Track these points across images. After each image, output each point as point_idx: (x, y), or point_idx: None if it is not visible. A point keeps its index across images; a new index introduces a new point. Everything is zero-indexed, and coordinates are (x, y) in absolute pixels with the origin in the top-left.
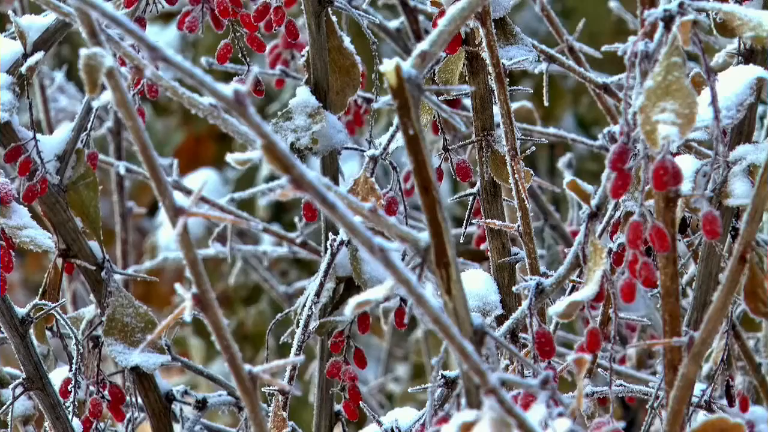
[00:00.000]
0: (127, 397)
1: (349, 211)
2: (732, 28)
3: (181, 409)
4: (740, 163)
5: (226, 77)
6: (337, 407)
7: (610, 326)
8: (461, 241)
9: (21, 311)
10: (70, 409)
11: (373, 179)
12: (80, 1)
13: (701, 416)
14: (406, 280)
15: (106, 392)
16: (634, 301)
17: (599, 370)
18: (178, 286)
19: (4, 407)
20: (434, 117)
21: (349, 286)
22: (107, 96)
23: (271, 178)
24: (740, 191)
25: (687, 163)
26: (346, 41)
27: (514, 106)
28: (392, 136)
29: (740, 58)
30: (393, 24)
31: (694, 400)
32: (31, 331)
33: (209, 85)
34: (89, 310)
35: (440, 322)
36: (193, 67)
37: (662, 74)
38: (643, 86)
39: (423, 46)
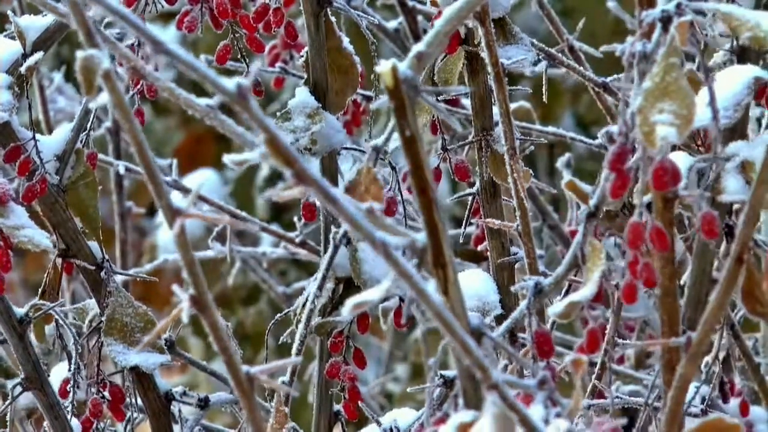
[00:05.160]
0: (127, 397)
1: (352, 205)
2: (730, 28)
3: (179, 410)
4: (734, 160)
5: (226, 75)
6: (337, 407)
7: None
8: (461, 241)
9: (19, 311)
10: (69, 409)
11: (376, 170)
12: None
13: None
14: (408, 275)
15: (106, 392)
16: (635, 302)
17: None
18: (175, 287)
19: (4, 406)
20: (433, 117)
21: (349, 286)
22: (104, 97)
23: (271, 177)
24: (733, 187)
25: (680, 161)
26: (345, 42)
27: (513, 106)
28: (390, 134)
29: (733, 56)
30: (391, 24)
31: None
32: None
33: (212, 79)
34: (93, 304)
35: (442, 317)
36: (195, 61)
37: (660, 75)
38: (641, 87)
39: (419, 46)
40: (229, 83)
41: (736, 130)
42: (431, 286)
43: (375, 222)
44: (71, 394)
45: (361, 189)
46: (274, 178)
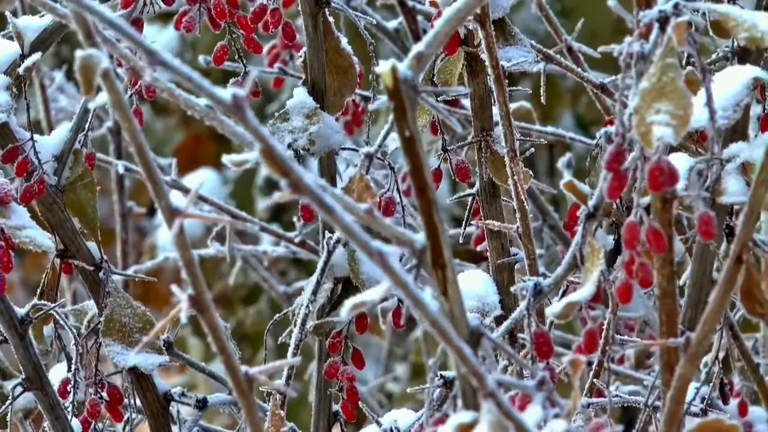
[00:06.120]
0: (125, 398)
1: (347, 214)
2: (727, 29)
3: (178, 411)
4: (734, 161)
5: (225, 74)
6: (336, 407)
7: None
8: (460, 241)
9: (20, 311)
10: (69, 409)
11: (368, 177)
12: (77, 5)
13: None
14: (403, 284)
15: (104, 393)
16: (630, 301)
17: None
18: (174, 287)
19: (4, 407)
20: (433, 117)
21: (347, 286)
22: (104, 97)
23: (271, 177)
24: (733, 189)
25: (681, 161)
26: (344, 42)
27: (512, 106)
28: (387, 134)
29: (734, 57)
30: (392, 24)
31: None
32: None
33: (207, 90)
34: (92, 304)
35: (438, 326)
36: (191, 71)
37: (657, 75)
38: (638, 87)
39: (419, 47)
40: (225, 93)
41: (737, 131)
42: (428, 295)
43: (374, 223)
44: (71, 395)
45: (353, 197)
46: (274, 178)
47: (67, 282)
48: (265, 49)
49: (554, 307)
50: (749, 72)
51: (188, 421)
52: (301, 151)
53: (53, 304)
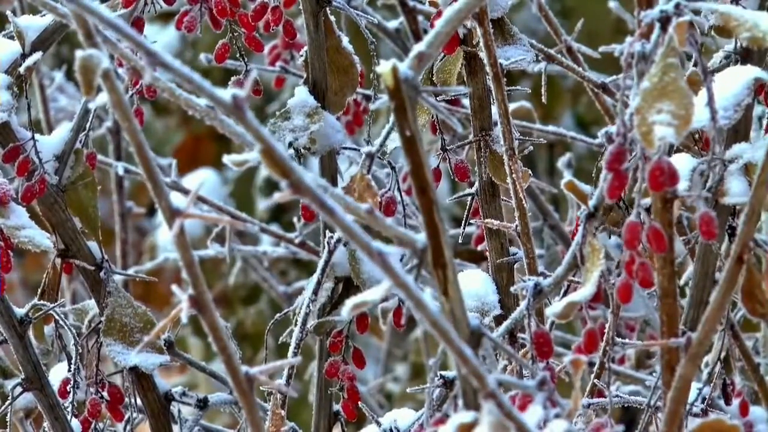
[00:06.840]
0: (126, 398)
1: (348, 215)
2: (729, 29)
3: (179, 411)
4: (737, 162)
5: (226, 73)
6: (336, 407)
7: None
8: (460, 241)
9: (20, 311)
10: (69, 409)
11: (369, 176)
12: (76, 6)
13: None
14: (404, 284)
15: (105, 392)
16: (630, 301)
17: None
18: (175, 287)
19: (5, 406)
20: (432, 117)
21: (348, 285)
22: (104, 97)
23: (271, 178)
24: (736, 190)
25: (683, 162)
26: (345, 41)
27: (512, 106)
28: (388, 134)
29: (737, 57)
30: (392, 24)
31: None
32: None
33: (207, 90)
34: (92, 304)
35: (438, 326)
36: (191, 72)
37: (658, 75)
38: (639, 87)
39: (420, 47)
40: (225, 94)
41: (739, 132)
42: (428, 296)
43: (375, 223)
44: (71, 395)
45: (354, 196)
46: (274, 179)
47: (67, 282)
48: (266, 48)
49: (555, 307)
50: (750, 72)
51: (189, 421)
52: (302, 150)
53: (53, 304)
